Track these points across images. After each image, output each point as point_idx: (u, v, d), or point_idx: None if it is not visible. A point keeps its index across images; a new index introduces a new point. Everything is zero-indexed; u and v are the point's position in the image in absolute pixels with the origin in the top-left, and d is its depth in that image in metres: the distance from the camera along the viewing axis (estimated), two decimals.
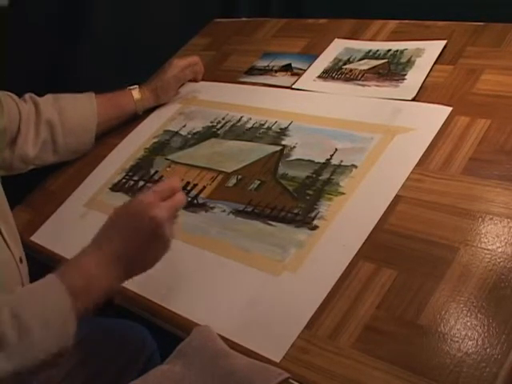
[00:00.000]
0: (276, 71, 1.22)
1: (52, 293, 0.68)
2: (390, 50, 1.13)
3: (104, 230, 0.74)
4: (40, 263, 0.92)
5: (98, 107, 1.14)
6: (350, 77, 1.11)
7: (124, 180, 1.08)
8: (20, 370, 0.63)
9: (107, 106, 1.16)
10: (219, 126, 1.12)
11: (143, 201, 0.73)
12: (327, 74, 1.14)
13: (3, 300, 0.66)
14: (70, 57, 1.35)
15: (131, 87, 1.20)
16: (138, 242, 0.72)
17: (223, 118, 1.13)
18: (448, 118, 0.92)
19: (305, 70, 1.18)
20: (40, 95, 1.11)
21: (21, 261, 0.83)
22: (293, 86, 1.15)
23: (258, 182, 0.95)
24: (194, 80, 1.27)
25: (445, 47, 1.07)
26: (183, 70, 1.22)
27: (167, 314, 0.80)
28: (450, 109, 0.93)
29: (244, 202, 0.92)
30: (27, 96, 1.09)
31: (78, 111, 1.12)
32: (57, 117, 1.09)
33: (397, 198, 0.82)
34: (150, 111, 1.23)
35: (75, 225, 1.03)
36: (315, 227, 0.83)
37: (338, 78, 1.12)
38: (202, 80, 1.28)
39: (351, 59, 1.15)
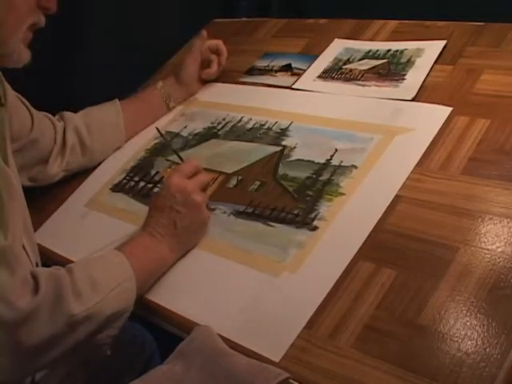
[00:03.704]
0: (276, 71, 1.22)
1: (115, 263, 0.78)
2: (389, 50, 1.13)
3: (149, 214, 0.87)
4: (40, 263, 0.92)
5: (122, 103, 1.15)
6: (350, 77, 1.11)
7: (125, 181, 1.08)
8: (91, 319, 0.72)
9: (131, 100, 1.18)
10: (220, 126, 1.12)
11: (170, 182, 0.86)
12: (327, 74, 1.14)
13: (76, 263, 0.78)
14: (70, 57, 1.35)
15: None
16: (178, 213, 0.84)
17: (224, 119, 1.13)
18: (448, 118, 0.92)
19: (305, 70, 1.18)
20: (39, 95, 1.10)
21: (37, 265, 0.86)
22: (293, 86, 1.15)
23: (259, 182, 0.95)
24: (218, 64, 1.23)
25: (445, 47, 1.07)
26: (199, 50, 1.22)
27: (167, 314, 0.80)
28: (450, 109, 0.93)
29: (244, 203, 0.92)
30: (57, 115, 1.11)
31: (101, 108, 1.14)
32: (82, 120, 1.10)
33: (397, 198, 0.82)
34: None
35: (76, 225, 1.03)
36: (315, 228, 0.83)
37: (337, 78, 1.12)
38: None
39: (351, 59, 1.15)
